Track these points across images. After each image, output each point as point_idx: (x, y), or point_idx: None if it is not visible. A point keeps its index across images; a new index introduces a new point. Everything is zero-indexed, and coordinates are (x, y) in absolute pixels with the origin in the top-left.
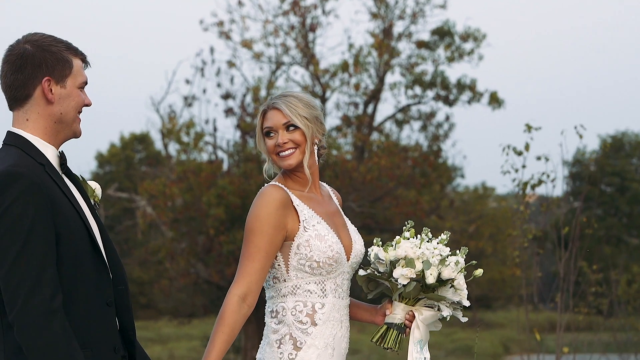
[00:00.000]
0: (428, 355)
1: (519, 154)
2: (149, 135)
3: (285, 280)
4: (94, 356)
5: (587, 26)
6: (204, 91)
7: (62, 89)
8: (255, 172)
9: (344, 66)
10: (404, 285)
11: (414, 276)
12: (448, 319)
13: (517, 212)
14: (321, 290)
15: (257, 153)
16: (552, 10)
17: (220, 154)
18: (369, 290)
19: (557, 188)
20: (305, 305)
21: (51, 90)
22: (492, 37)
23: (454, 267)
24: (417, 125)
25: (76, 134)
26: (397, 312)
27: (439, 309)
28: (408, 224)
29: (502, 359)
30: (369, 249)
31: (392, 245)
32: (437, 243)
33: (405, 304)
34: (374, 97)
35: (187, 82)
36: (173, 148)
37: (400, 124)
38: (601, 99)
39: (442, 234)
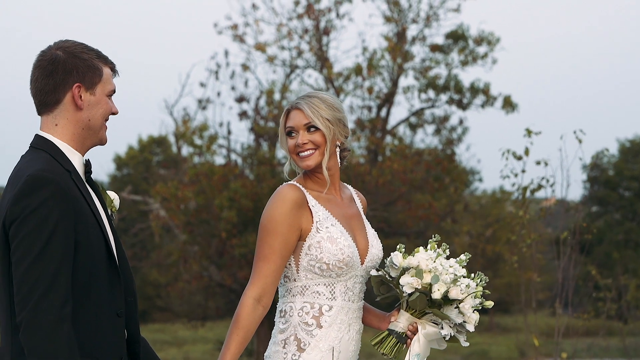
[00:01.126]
0: None
1: (519, 158)
2: (167, 138)
3: (295, 280)
4: None
5: (605, 29)
6: (219, 94)
7: (91, 96)
8: (268, 176)
9: (358, 69)
10: (409, 294)
11: (420, 287)
12: (447, 338)
13: (517, 216)
14: (330, 292)
15: (270, 156)
16: (568, 12)
17: (234, 157)
18: (380, 293)
19: (557, 192)
20: (312, 307)
21: (81, 96)
22: (507, 41)
23: (464, 289)
24: (430, 129)
25: (102, 142)
26: (401, 321)
27: (442, 327)
28: (435, 237)
29: None
30: (392, 253)
31: (410, 253)
32: (455, 262)
33: (411, 314)
34: (388, 100)
35: (202, 85)
36: (186, 151)
37: (414, 127)
38: (620, 102)
39: (463, 255)
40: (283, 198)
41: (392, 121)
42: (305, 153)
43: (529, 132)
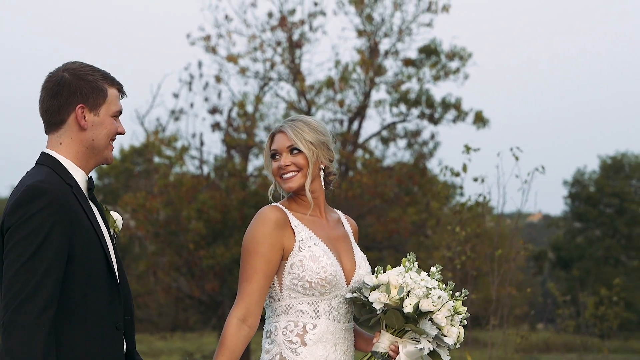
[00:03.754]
0: None
1: (456, 175)
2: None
3: (279, 300)
4: None
5: (582, 46)
6: (192, 105)
7: (95, 116)
8: (238, 188)
9: (329, 82)
10: (383, 311)
11: (390, 302)
12: (426, 352)
13: (453, 232)
14: (314, 311)
15: (241, 169)
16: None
17: (206, 168)
18: (361, 315)
19: (496, 208)
20: (296, 325)
21: (84, 117)
22: (479, 56)
23: (436, 300)
24: (402, 143)
25: (107, 161)
26: (382, 341)
27: (420, 342)
28: (410, 254)
29: None
30: (365, 275)
31: (381, 272)
32: (427, 275)
33: (392, 334)
34: (359, 114)
35: (175, 95)
36: (160, 161)
37: (386, 141)
38: (602, 119)
39: (433, 267)
40: (264, 219)
41: (364, 134)
42: (288, 175)
43: (467, 149)
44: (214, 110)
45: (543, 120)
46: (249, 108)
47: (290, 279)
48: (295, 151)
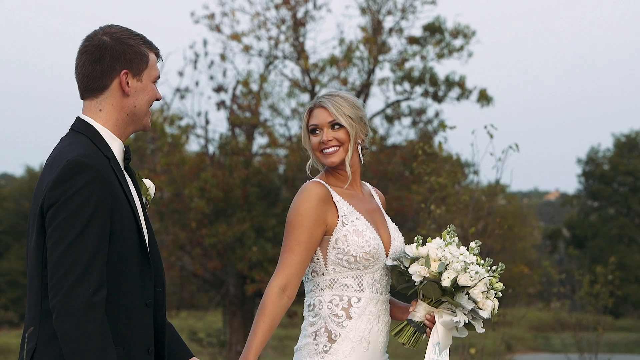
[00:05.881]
0: (447, 359)
1: (430, 154)
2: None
3: (323, 274)
4: (127, 355)
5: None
6: (197, 83)
7: (138, 82)
8: (240, 166)
9: (332, 60)
10: (420, 283)
11: (428, 275)
12: (462, 325)
13: (427, 210)
14: (358, 284)
15: (244, 147)
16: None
17: (211, 147)
18: (399, 284)
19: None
20: (341, 299)
21: (128, 83)
22: (483, 34)
23: (474, 275)
24: (407, 121)
25: (146, 128)
26: (418, 311)
27: (456, 315)
28: (450, 227)
29: (502, 358)
30: (406, 245)
31: (421, 242)
32: (466, 250)
33: (428, 304)
34: (362, 92)
35: (180, 74)
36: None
37: (390, 119)
38: (616, 97)
39: (473, 243)
40: (309, 194)
41: (368, 113)
42: (330, 150)
43: (443, 126)
44: (219, 89)
45: (555, 98)
46: (254, 86)
47: (335, 254)
48: (336, 126)
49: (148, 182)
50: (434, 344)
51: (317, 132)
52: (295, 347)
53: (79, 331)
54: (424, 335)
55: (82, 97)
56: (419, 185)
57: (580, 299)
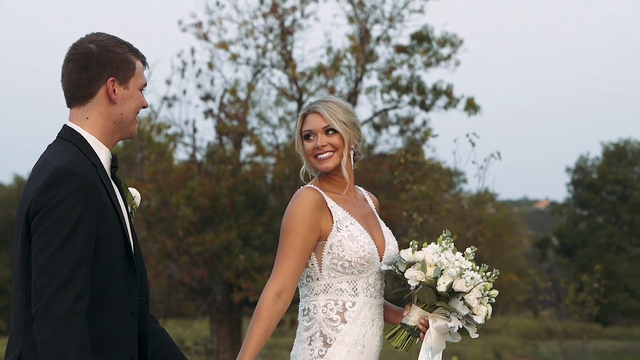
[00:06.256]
0: None
1: (413, 162)
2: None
3: (318, 279)
4: None
5: (583, 30)
6: (184, 92)
7: (125, 90)
8: (227, 174)
9: (320, 69)
10: (415, 287)
11: (424, 280)
12: (456, 330)
13: (409, 218)
14: (352, 289)
15: (231, 156)
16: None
17: (199, 155)
18: (393, 288)
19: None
20: (336, 304)
21: (115, 90)
22: (471, 43)
23: (469, 281)
24: (394, 130)
25: (132, 135)
26: (413, 315)
27: (450, 320)
28: (445, 232)
29: None
30: (402, 249)
31: (416, 247)
32: (462, 255)
33: (422, 308)
34: (350, 100)
35: (168, 82)
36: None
37: (378, 128)
38: (605, 106)
39: (469, 249)
40: (303, 200)
41: None
42: (324, 155)
43: (426, 135)
44: (206, 97)
45: (543, 107)
46: (241, 95)
47: (330, 259)
48: (330, 132)
49: (134, 191)
50: (427, 349)
51: (311, 137)
52: (291, 354)
53: (57, 337)
54: (417, 339)
55: (69, 105)
56: (404, 194)
57: (566, 307)
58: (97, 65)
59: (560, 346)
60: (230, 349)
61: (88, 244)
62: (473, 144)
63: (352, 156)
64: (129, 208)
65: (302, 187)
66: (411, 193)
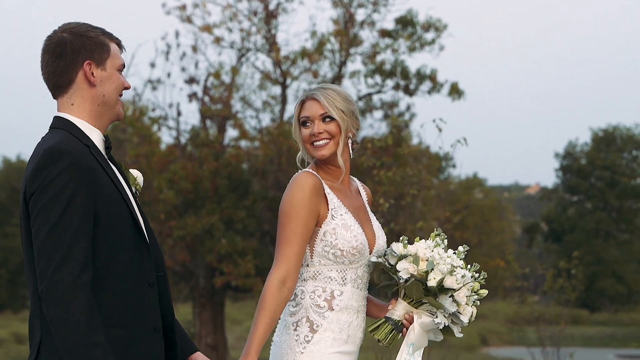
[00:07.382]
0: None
1: (382, 148)
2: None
3: (308, 265)
4: (131, 334)
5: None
6: (169, 75)
7: (102, 71)
8: (210, 158)
9: (304, 53)
10: (405, 281)
11: (415, 273)
12: (441, 327)
13: (376, 203)
14: (341, 278)
15: (214, 139)
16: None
17: (183, 139)
18: (380, 281)
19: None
20: (324, 291)
21: (92, 73)
22: (456, 28)
23: (460, 279)
24: (379, 114)
25: (119, 117)
26: (398, 309)
27: (437, 317)
28: (437, 230)
29: (477, 351)
30: (393, 243)
31: (406, 242)
32: (453, 253)
33: (408, 303)
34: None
35: (152, 65)
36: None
37: (362, 112)
38: (594, 92)
39: (461, 247)
40: (302, 184)
41: None
42: (320, 142)
43: (393, 120)
44: (191, 80)
45: (531, 93)
46: (225, 78)
47: (322, 246)
48: (328, 119)
49: (135, 172)
50: (408, 344)
51: (308, 124)
52: (273, 340)
53: (64, 314)
54: (400, 334)
55: (54, 96)
56: (370, 180)
57: (543, 294)
58: (71, 52)
59: (537, 332)
60: (212, 332)
61: (85, 218)
62: (440, 130)
63: (350, 145)
64: (134, 189)
65: (299, 171)
66: (377, 179)
